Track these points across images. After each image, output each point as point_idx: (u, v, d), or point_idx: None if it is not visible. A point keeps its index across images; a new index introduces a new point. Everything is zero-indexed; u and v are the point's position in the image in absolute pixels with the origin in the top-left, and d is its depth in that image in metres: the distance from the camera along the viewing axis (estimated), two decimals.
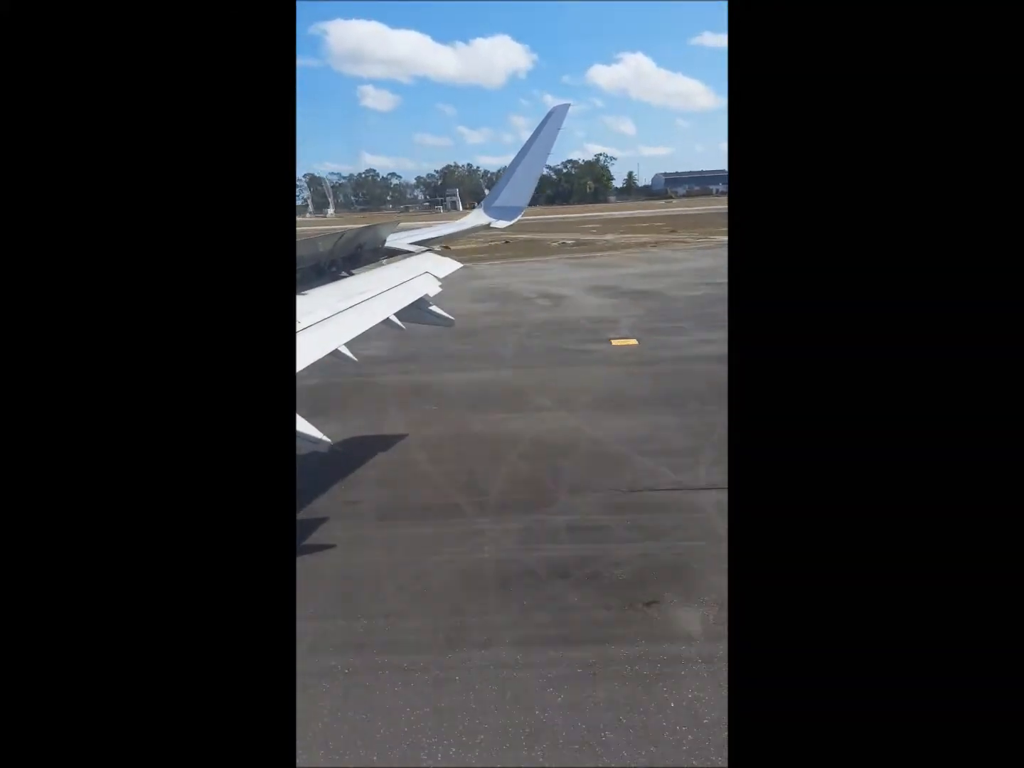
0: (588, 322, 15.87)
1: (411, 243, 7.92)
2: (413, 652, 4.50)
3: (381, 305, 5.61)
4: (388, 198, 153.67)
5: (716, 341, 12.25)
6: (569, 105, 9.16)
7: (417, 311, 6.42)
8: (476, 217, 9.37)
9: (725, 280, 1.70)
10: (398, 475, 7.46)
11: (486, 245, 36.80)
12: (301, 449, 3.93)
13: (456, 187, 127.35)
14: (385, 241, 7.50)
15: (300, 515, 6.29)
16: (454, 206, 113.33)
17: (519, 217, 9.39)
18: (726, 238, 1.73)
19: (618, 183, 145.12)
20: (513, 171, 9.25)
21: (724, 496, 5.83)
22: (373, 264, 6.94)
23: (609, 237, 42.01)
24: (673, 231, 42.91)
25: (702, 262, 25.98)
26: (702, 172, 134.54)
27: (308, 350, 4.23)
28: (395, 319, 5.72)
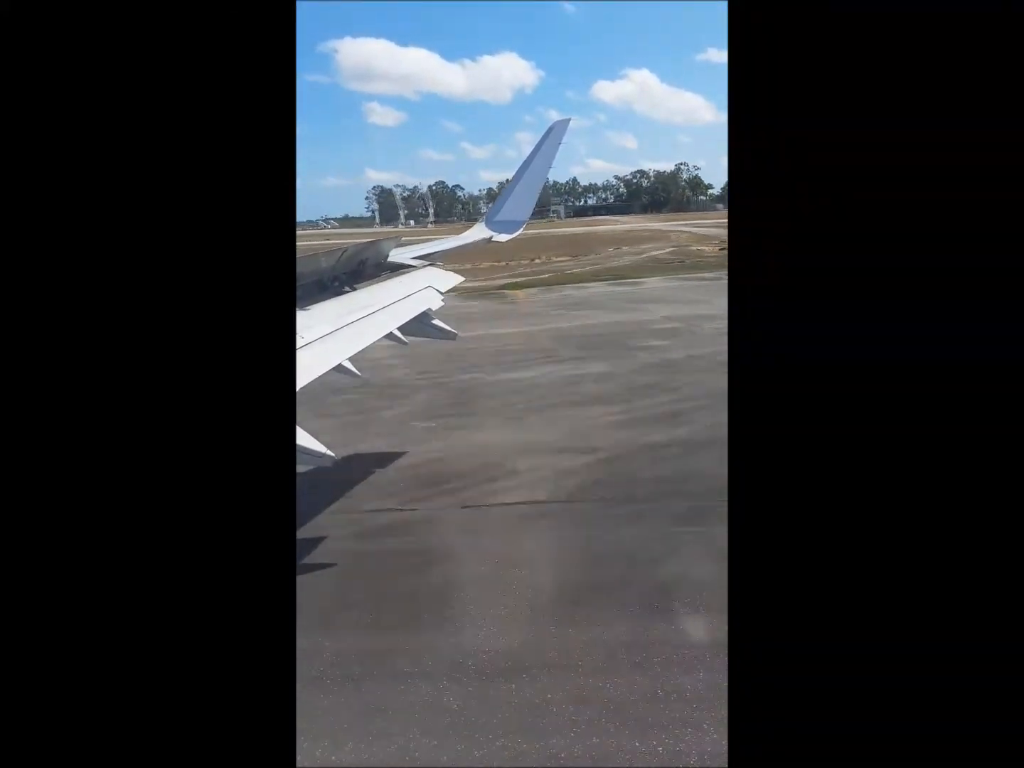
0: None
1: (413, 257, 7.96)
2: None
3: (384, 319, 5.64)
4: (458, 209, 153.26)
5: None
6: (570, 120, 9.23)
7: (420, 325, 6.44)
8: (478, 231, 9.42)
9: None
10: None
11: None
12: (305, 464, 3.93)
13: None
14: (388, 256, 7.53)
15: None
16: (557, 215, 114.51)
17: (520, 231, 9.44)
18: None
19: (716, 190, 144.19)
20: (515, 186, 9.31)
21: None
22: (376, 279, 6.97)
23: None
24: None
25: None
26: None
27: (311, 365, 4.24)
28: (398, 333, 5.74)
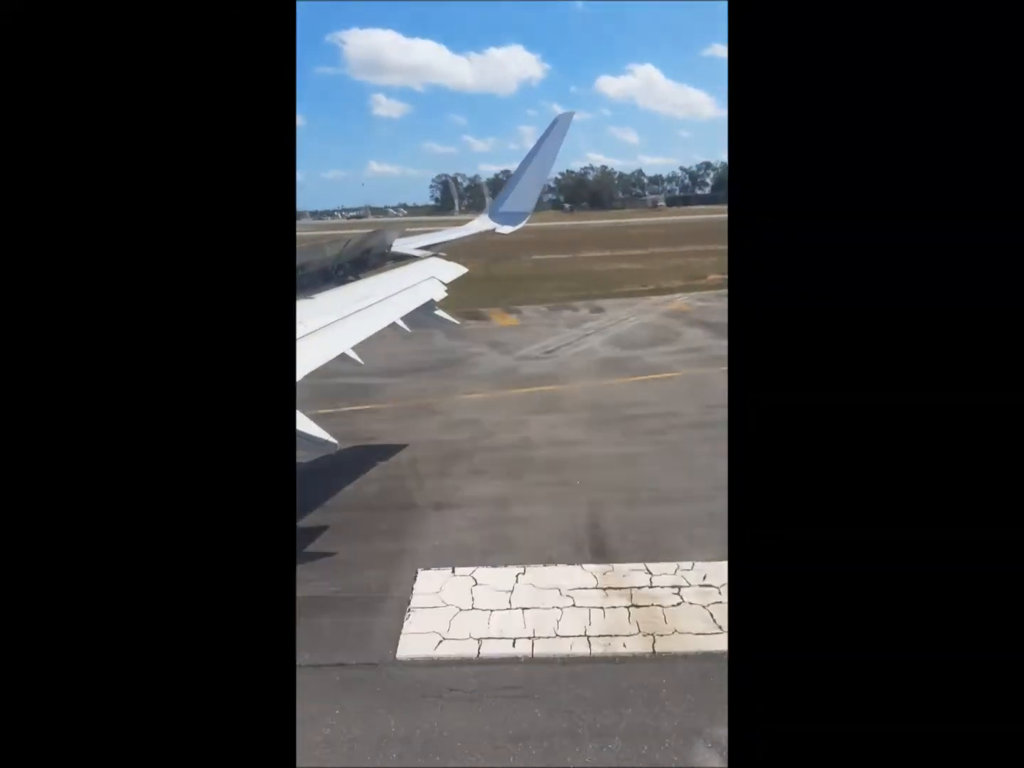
0: None
1: (417, 248, 7.98)
2: None
3: (388, 309, 5.67)
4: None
5: None
6: (573, 114, 9.23)
7: (423, 315, 6.47)
8: (481, 223, 9.43)
9: None
10: None
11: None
12: (311, 452, 3.97)
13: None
14: (392, 246, 7.56)
15: None
16: (655, 204, 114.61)
17: (524, 223, 9.46)
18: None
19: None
20: (518, 178, 9.32)
21: None
22: (380, 268, 7.00)
23: None
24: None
25: None
26: None
27: (315, 353, 4.28)
28: (401, 323, 5.77)
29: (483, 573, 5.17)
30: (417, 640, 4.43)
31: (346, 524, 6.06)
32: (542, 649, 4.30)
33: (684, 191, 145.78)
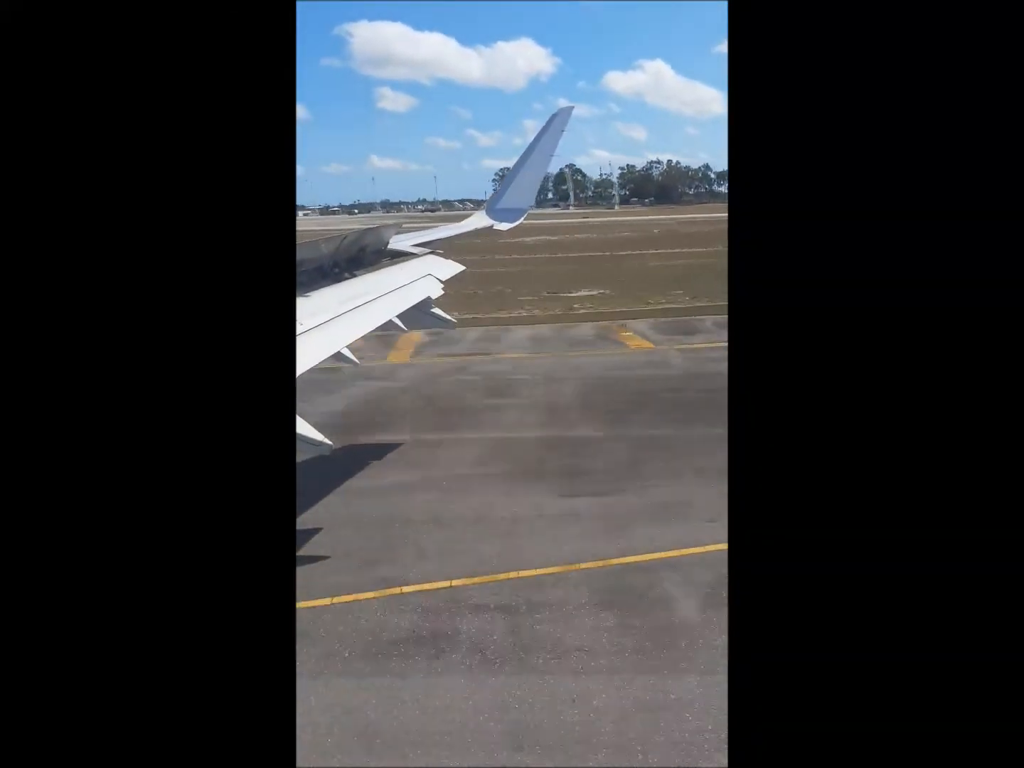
0: None
1: (413, 245, 7.92)
2: None
3: (384, 307, 5.62)
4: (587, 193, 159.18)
5: None
6: (572, 108, 9.17)
7: (419, 314, 6.43)
8: (478, 219, 9.38)
9: None
10: None
11: None
12: (304, 453, 3.92)
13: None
14: (388, 243, 7.50)
15: None
16: None
17: (522, 219, 9.40)
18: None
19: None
20: (516, 174, 9.27)
21: None
22: (376, 266, 6.94)
23: None
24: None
25: None
26: None
27: (311, 352, 4.23)
28: (397, 321, 5.72)
29: None
30: None
31: None
32: None
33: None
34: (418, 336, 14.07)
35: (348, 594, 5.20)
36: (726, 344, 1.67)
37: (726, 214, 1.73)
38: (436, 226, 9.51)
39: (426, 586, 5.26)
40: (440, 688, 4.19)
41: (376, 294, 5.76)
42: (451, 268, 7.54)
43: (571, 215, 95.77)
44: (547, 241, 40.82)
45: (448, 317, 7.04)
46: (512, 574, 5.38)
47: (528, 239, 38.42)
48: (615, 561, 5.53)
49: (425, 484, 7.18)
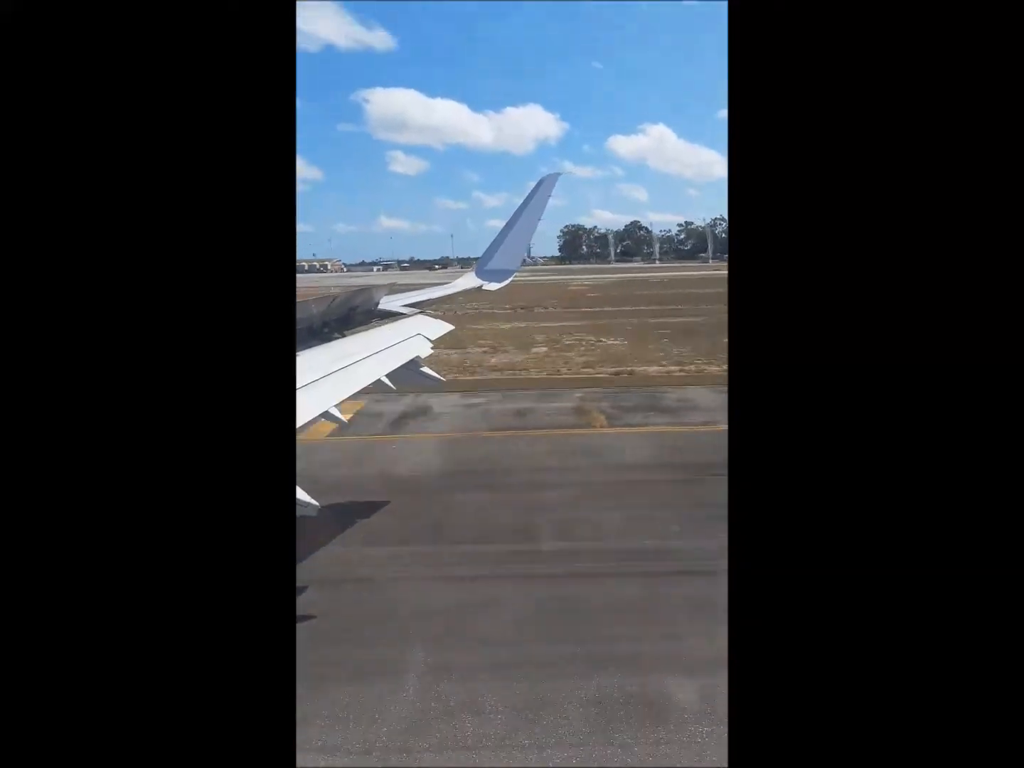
0: None
1: (403, 305, 8.01)
2: None
3: (373, 366, 5.63)
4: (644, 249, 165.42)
5: None
6: (559, 175, 9.48)
7: (408, 372, 6.44)
8: (467, 280, 9.53)
9: None
10: None
11: None
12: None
13: None
14: (378, 303, 7.59)
15: None
16: None
17: (510, 280, 9.56)
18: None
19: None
20: (505, 236, 9.47)
21: None
22: (366, 326, 7.00)
23: None
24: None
25: None
26: None
27: (299, 411, 4.20)
28: (386, 380, 5.72)
29: None
30: None
31: None
32: None
33: None
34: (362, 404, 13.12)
35: None
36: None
37: None
38: (426, 286, 9.64)
39: None
40: None
41: (366, 353, 5.78)
42: (440, 328, 7.61)
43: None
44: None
45: (437, 376, 7.05)
46: None
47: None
48: None
49: None
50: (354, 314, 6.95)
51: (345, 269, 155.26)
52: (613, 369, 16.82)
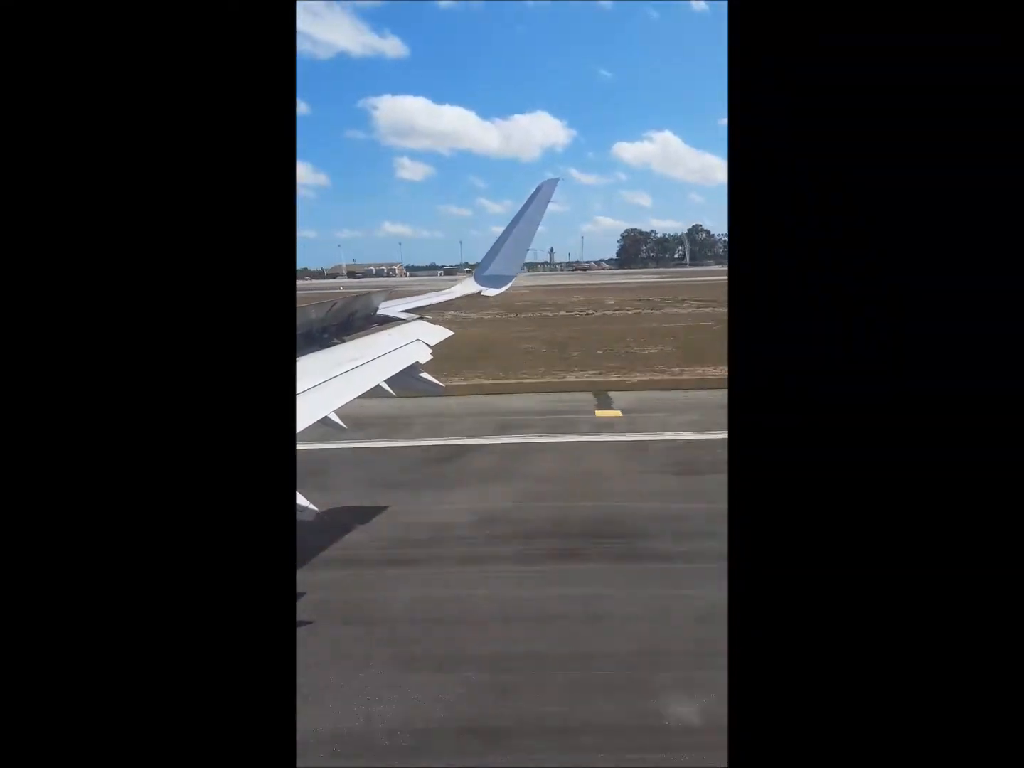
0: None
1: (403, 311, 8.03)
2: None
3: (372, 372, 5.63)
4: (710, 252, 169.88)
5: None
6: (558, 180, 9.48)
7: (408, 378, 6.45)
8: (466, 286, 9.53)
9: None
10: None
11: None
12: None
13: None
14: (377, 309, 7.60)
15: None
16: None
17: (509, 286, 9.57)
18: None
19: None
20: (503, 242, 9.48)
21: None
22: (365, 331, 7.01)
23: None
24: None
25: None
26: None
27: (297, 417, 4.21)
28: (386, 386, 5.73)
29: None
30: None
31: None
32: None
33: None
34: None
35: None
36: None
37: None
38: (425, 292, 9.66)
39: None
40: None
41: (365, 359, 5.79)
42: (440, 333, 7.62)
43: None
44: None
45: (436, 382, 7.06)
46: None
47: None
48: None
49: None
50: (353, 319, 6.96)
51: (408, 273, 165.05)
52: None
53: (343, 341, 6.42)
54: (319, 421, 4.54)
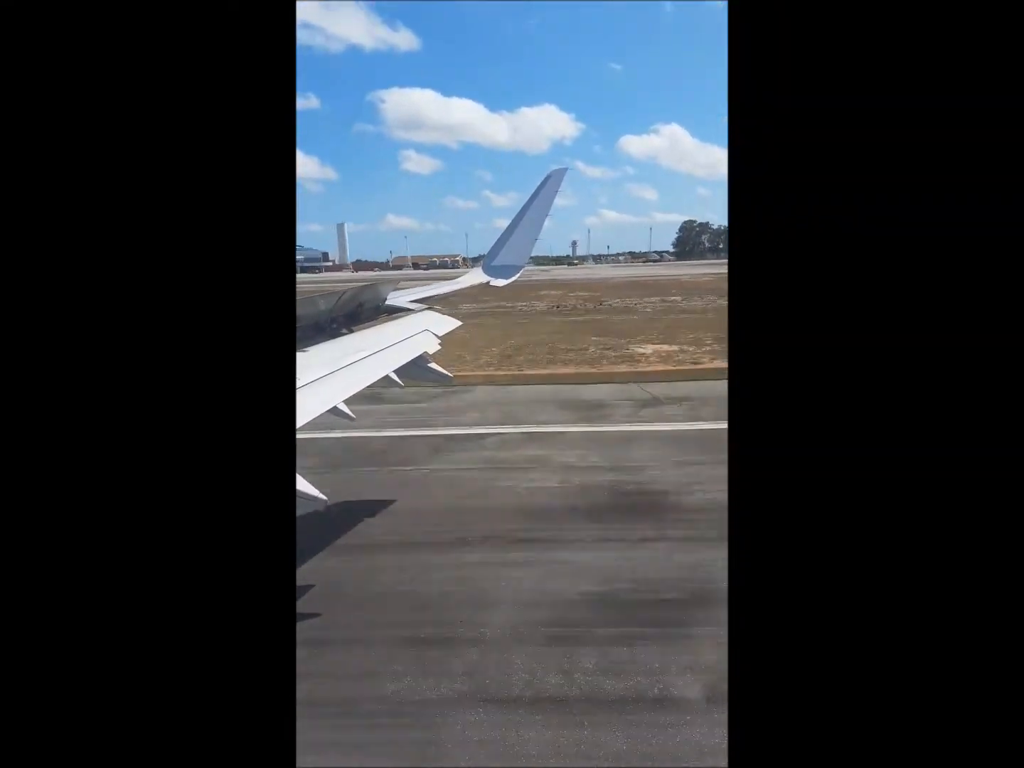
0: None
1: (411, 301, 8.02)
2: None
3: (381, 362, 5.63)
4: None
5: None
6: (566, 170, 9.42)
7: (416, 368, 6.44)
8: (474, 276, 9.51)
9: None
10: None
11: None
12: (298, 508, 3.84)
13: None
14: (385, 299, 7.59)
15: None
16: None
17: (517, 276, 9.54)
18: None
19: None
20: (512, 232, 9.45)
21: None
22: (373, 322, 7.00)
23: None
24: None
25: None
26: None
27: (307, 407, 4.21)
28: (394, 376, 5.72)
29: None
30: None
31: None
32: None
33: None
34: None
35: None
36: None
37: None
38: (433, 283, 9.64)
39: None
40: None
41: (374, 349, 5.78)
42: (448, 323, 7.61)
43: None
44: None
45: (445, 372, 7.05)
46: None
47: None
48: None
49: None
50: (362, 310, 6.95)
51: (471, 264, 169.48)
52: None
53: (352, 331, 6.41)
54: (328, 411, 4.54)
